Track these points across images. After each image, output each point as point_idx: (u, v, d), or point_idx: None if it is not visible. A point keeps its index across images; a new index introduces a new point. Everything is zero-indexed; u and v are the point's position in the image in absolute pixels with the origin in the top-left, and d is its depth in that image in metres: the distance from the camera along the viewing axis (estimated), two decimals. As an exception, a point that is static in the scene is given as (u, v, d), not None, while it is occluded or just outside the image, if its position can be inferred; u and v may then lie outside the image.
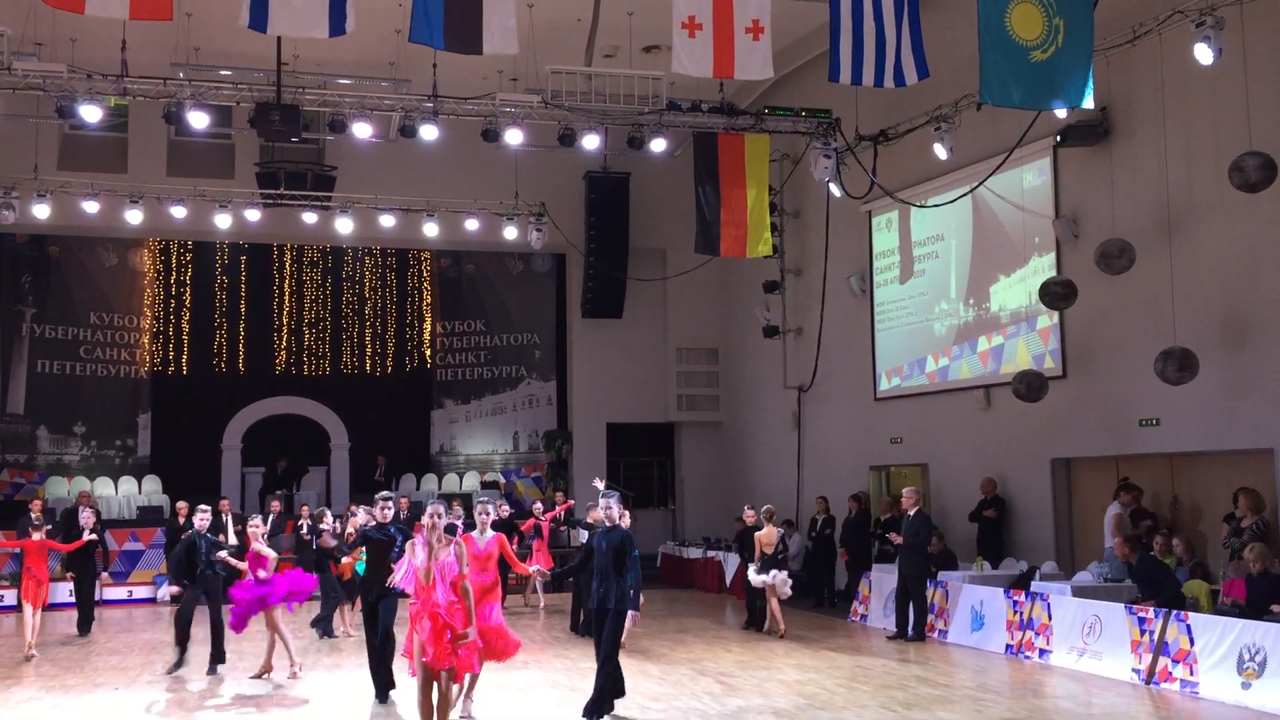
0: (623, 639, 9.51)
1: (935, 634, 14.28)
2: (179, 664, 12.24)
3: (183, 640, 12.28)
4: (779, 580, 14.76)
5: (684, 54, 10.35)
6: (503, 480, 25.00)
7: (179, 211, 19.94)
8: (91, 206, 19.70)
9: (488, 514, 9.90)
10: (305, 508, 18.32)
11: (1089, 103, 11.43)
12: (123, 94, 15.54)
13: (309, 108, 16.63)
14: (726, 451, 24.58)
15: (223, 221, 20.12)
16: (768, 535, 15.09)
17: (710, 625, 15.99)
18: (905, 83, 10.87)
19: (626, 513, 14.83)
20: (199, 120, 15.63)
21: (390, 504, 10.55)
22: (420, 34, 9.59)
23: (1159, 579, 12.01)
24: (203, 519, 12.60)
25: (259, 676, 11.78)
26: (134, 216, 19.69)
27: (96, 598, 16.96)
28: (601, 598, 9.37)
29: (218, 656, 12.33)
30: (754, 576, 15.03)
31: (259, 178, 21.13)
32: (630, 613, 9.33)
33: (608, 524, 9.48)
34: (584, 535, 15.86)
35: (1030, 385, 15.03)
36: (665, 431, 25.17)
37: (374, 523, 10.49)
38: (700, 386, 24.91)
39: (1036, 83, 10.76)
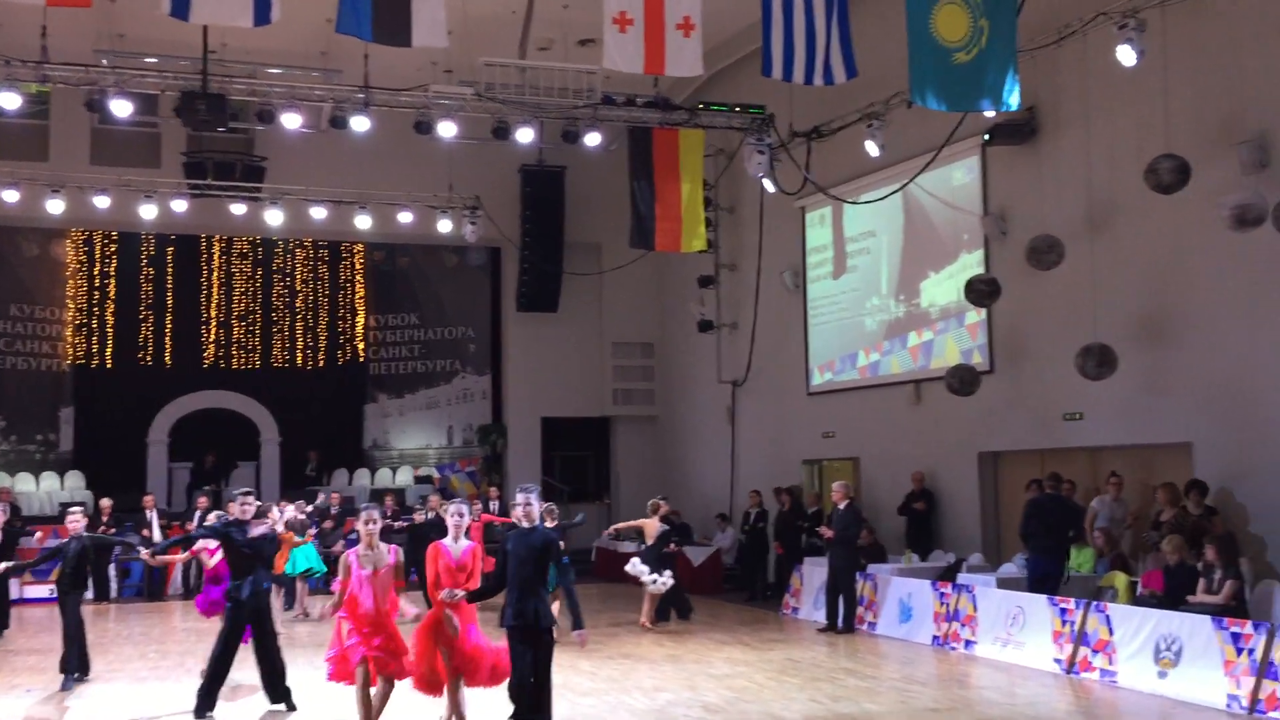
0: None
1: (864, 626, 14.45)
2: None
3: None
4: (640, 573, 14.69)
5: (615, 49, 10.33)
6: (437, 475, 24.80)
7: (102, 201, 19.51)
8: (11, 195, 19.19)
9: (462, 516, 8.43)
10: (231, 504, 17.98)
11: (1011, 105, 11.56)
12: (43, 81, 15.18)
13: (237, 97, 16.35)
14: (662, 445, 24.64)
15: (148, 212, 19.73)
16: (650, 526, 15.07)
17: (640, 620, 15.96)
18: (834, 81, 10.96)
19: (553, 507, 14.85)
20: (122, 108, 15.30)
21: (250, 500, 10.11)
22: (348, 25, 9.47)
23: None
24: (74, 522, 11.55)
25: None
26: (55, 206, 19.23)
27: (16, 596, 16.57)
28: (518, 614, 7.66)
29: (78, 667, 11.42)
30: (629, 566, 15.02)
31: (186, 168, 20.74)
32: (577, 634, 7.92)
33: (526, 524, 7.86)
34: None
35: (963, 379, 15.25)
36: (600, 425, 25.16)
37: (232, 518, 9.78)
38: (635, 381, 24.92)
39: (961, 84, 10.89)
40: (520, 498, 7.97)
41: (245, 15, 9.22)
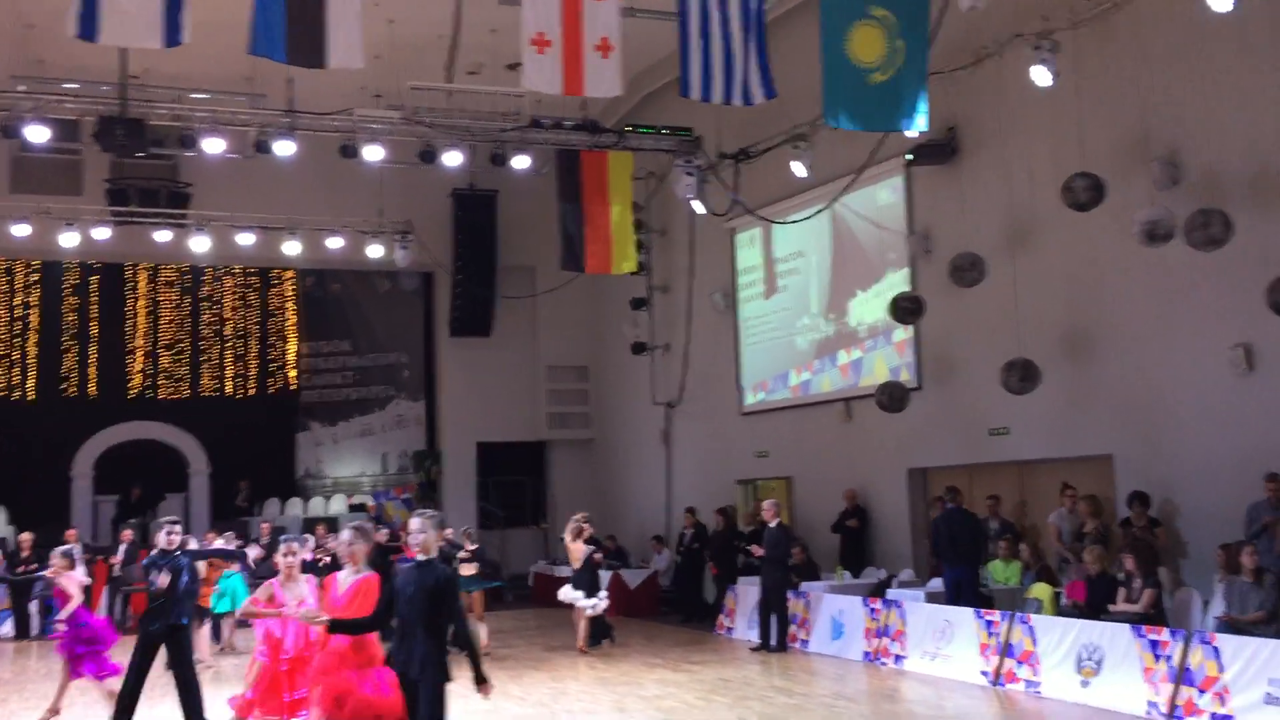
0: None
1: (798, 644, 14.47)
2: None
3: None
4: (575, 599, 14.62)
5: (533, 70, 10.33)
6: (372, 503, 24.51)
7: (22, 230, 19.06)
8: (-74, 224, 18.74)
9: (350, 545, 7.45)
10: (158, 534, 17.63)
11: (919, 126, 11.71)
12: (-47, 106, 14.83)
13: (160, 122, 16.09)
14: (598, 468, 24.56)
15: (69, 240, 19.32)
16: (575, 550, 14.91)
17: (571, 641, 15.83)
18: (753, 101, 11.04)
19: (470, 530, 14.64)
20: (38, 134, 15.02)
21: (177, 529, 9.90)
22: (261, 46, 9.36)
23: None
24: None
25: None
26: (-27, 235, 18.80)
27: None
28: (403, 663, 6.56)
29: None
30: (561, 593, 14.92)
31: (109, 195, 20.36)
32: (479, 688, 6.80)
33: (421, 555, 6.69)
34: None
35: (893, 396, 15.39)
36: (536, 450, 25.03)
37: (158, 550, 9.50)
38: (571, 404, 24.84)
39: (875, 105, 11.02)
40: (415, 524, 6.77)
41: (154, 36, 9.08)
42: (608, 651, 14.71)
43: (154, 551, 9.99)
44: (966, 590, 13.02)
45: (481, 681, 6.74)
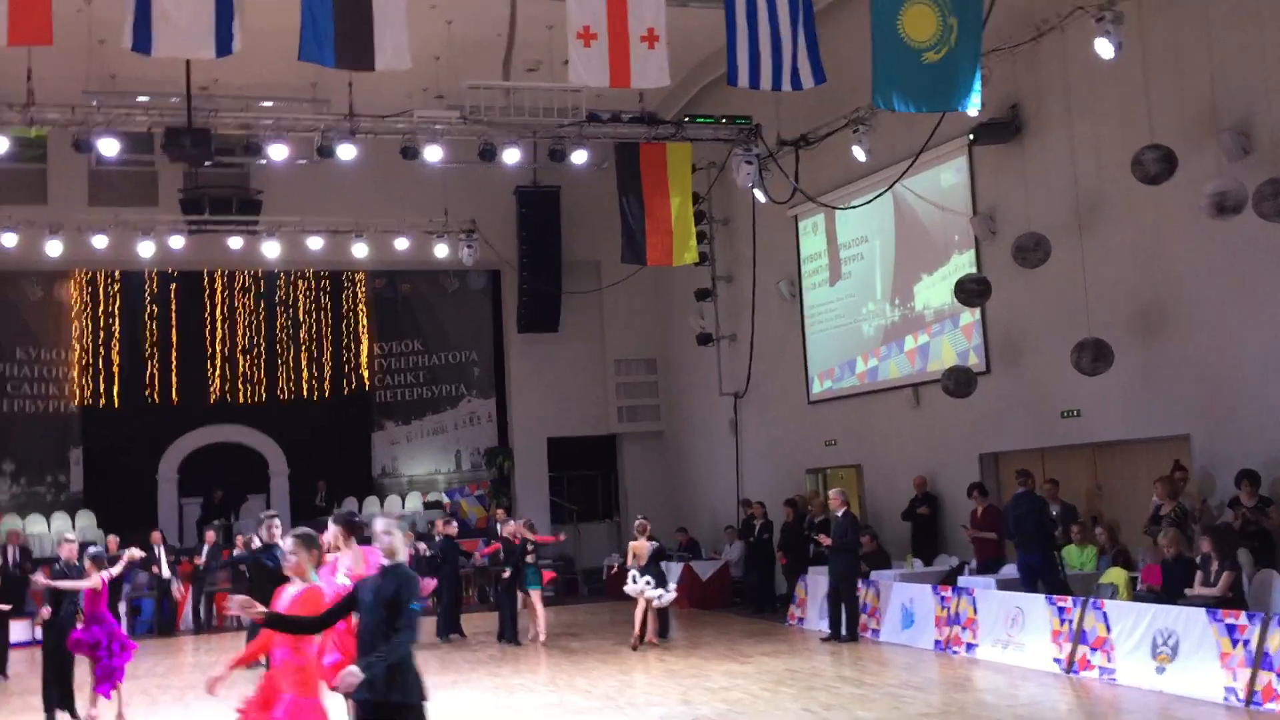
0: None
1: (868, 634, 14.32)
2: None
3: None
4: (646, 592, 14.55)
5: (580, 64, 10.35)
6: (447, 500, 24.82)
7: (101, 241, 19.66)
8: (10, 239, 19.38)
9: (295, 555, 6.36)
10: (240, 538, 18.04)
11: (973, 105, 11.47)
12: (29, 123, 15.31)
13: (226, 131, 16.46)
14: (668, 461, 24.55)
15: (146, 250, 19.86)
16: (639, 547, 14.93)
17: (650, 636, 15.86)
18: (802, 86, 10.92)
19: (530, 521, 14.72)
20: (109, 147, 15.46)
21: (276, 522, 10.03)
22: (310, 52, 9.50)
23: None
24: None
25: None
26: (54, 248, 19.37)
27: (26, 639, 16.72)
28: (365, 683, 5.81)
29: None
30: (628, 586, 14.86)
31: (183, 204, 20.89)
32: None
33: (386, 560, 6.10)
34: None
35: (959, 381, 15.14)
36: (607, 444, 25.10)
37: (259, 545, 9.73)
38: (640, 397, 24.86)
39: (928, 85, 10.83)
40: (380, 526, 6.16)
41: (208, 46, 9.28)
42: (669, 645, 14.66)
43: (256, 544, 10.15)
44: (1041, 576, 12.70)
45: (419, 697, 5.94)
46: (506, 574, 15.90)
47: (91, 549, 11.71)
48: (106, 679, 10.64)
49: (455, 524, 18.18)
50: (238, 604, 6.34)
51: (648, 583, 14.61)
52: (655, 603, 14.65)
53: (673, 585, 14.96)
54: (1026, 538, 12.80)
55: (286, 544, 6.43)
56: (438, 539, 17.55)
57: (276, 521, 10.12)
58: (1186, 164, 12.16)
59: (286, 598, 6.30)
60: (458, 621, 16.74)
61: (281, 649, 6.17)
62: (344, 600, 6.20)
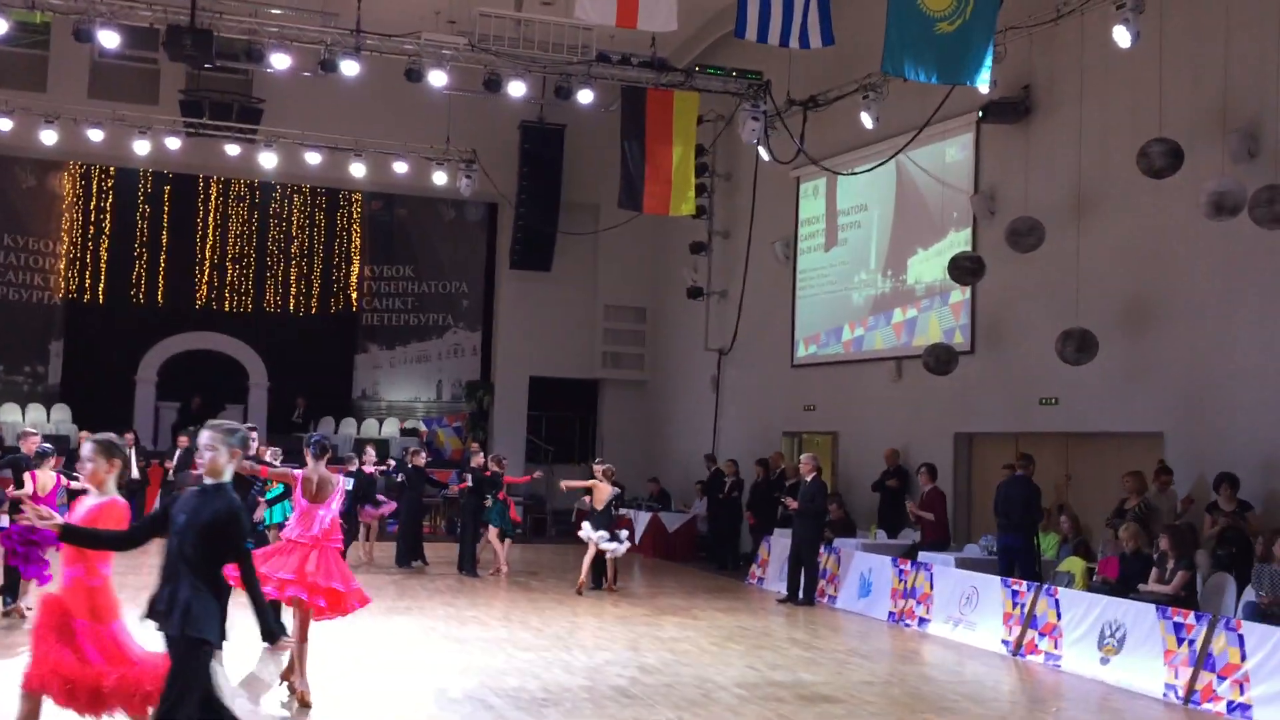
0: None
1: (825, 599, 14.39)
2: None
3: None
4: (599, 539, 14.38)
5: (587, 1, 10.17)
6: (424, 429, 24.82)
7: (96, 135, 19.47)
8: (5, 124, 19.16)
9: (93, 462, 5.67)
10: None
11: (983, 81, 11.33)
12: (32, 7, 15.07)
13: (229, 35, 16.21)
14: (648, 410, 24.56)
15: (142, 148, 19.68)
16: (600, 490, 14.73)
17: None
18: (810, 45, 10.78)
19: (501, 457, 14.67)
20: (110, 39, 15.23)
21: (254, 435, 9.97)
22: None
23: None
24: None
25: None
26: (49, 137, 19.18)
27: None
28: (161, 614, 5.20)
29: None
30: (582, 532, 14.76)
31: (183, 106, 20.61)
32: (266, 646, 5.44)
33: (208, 480, 5.33)
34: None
35: (939, 358, 15.11)
36: (589, 388, 25.08)
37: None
38: (626, 345, 24.81)
39: (940, 55, 10.67)
40: (204, 438, 5.41)
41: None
42: (619, 593, 14.64)
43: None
44: (1018, 559, 12.70)
45: (270, 636, 5.37)
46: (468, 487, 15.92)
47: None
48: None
49: (424, 455, 18.15)
50: (32, 512, 5.73)
51: (603, 536, 14.46)
52: (609, 551, 14.55)
53: (624, 535, 14.85)
54: (1011, 520, 12.80)
55: (85, 449, 5.73)
56: (409, 467, 17.56)
57: (254, 435, 10.04)
58: (1190, 161, 12.04)
59: (83, 509, 5.68)
60: (420, 548, 16.78)
61: (73, 566, 5.59)
62: (152, 517, 5.49)
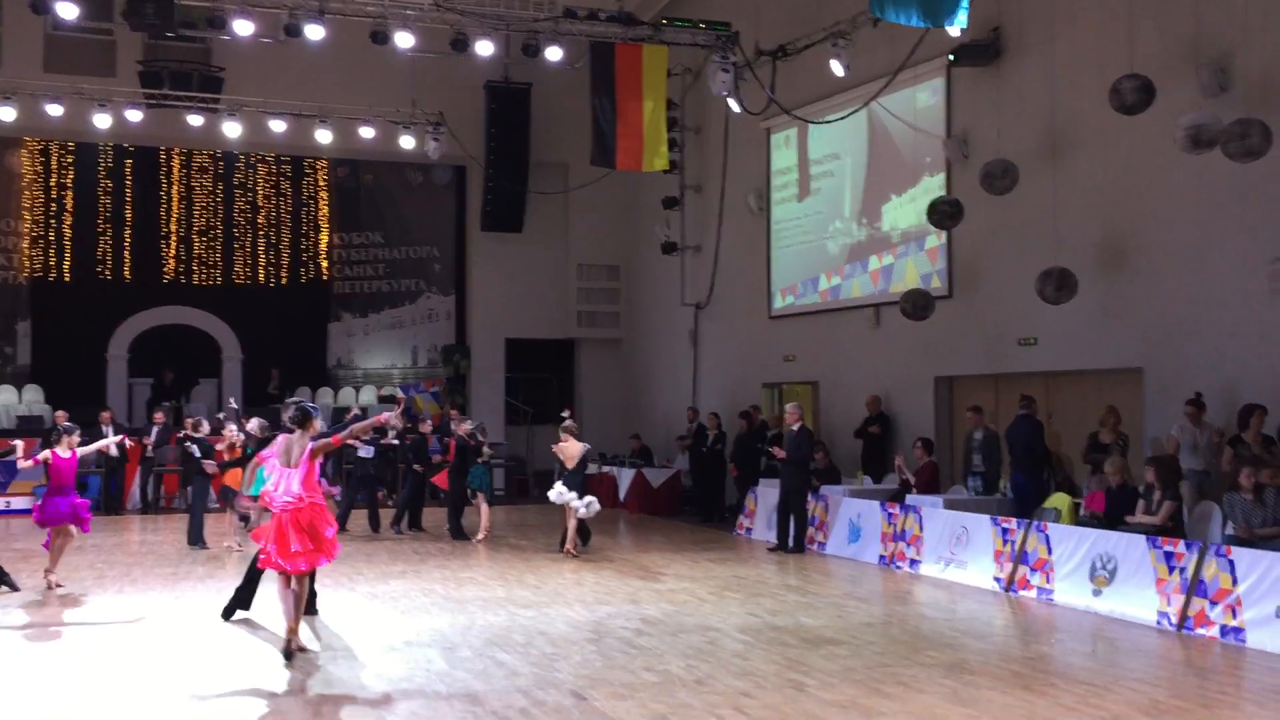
0: None
1: (815, 546, 14.55)
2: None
3: None
4: (571, 502, 14.00)
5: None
6: (401, 395, 24.63)
7: (56, 110, 19.11)
8: (-40, 102, 18.77)
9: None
10: (189, 420, 17.91)
11: (960, 23, 11.32)
12: (-15, -20, 14.71)
13: (190, 3, 15.90)
14: (626, 368, 24.60)
15: (102, 121, 19.33)
16: (570, 449, 14.27)
17: (598, 539, 16.00)
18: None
19: (484, 425, 14.45)
20: (68, 10, 14.92)
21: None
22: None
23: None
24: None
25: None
26: (6, 113, 18.82)
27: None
28: None
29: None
30: (552, 494, 14.27)
31: (142, 77, 20.29)
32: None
33: None
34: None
35: (916, 304, 15.22)
36: (565, 347, 25.07)
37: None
38: (600, 303, 24.78)
39: (921, -1, 10.65)
40: None
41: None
42: (595, 552, 14.41)
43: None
44: (1027, 498, 12.85)
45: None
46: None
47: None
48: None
49: (429, 423, 18.03)
50: None
51: (573, 497, 14.17)
52: (580, 513, 14.08)
53: (592, 498, 14.46)
54: (1017, 459, 13.02)
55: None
56: (391, 433, 17.50)
57: (233, 404, 10.09)
58: (1162, 98, 12.12)
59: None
60: (419, 517, 16.79)
61: None
62: None
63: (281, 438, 8.71)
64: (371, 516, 16.48)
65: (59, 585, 11.35)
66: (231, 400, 18.34)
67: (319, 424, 8.93)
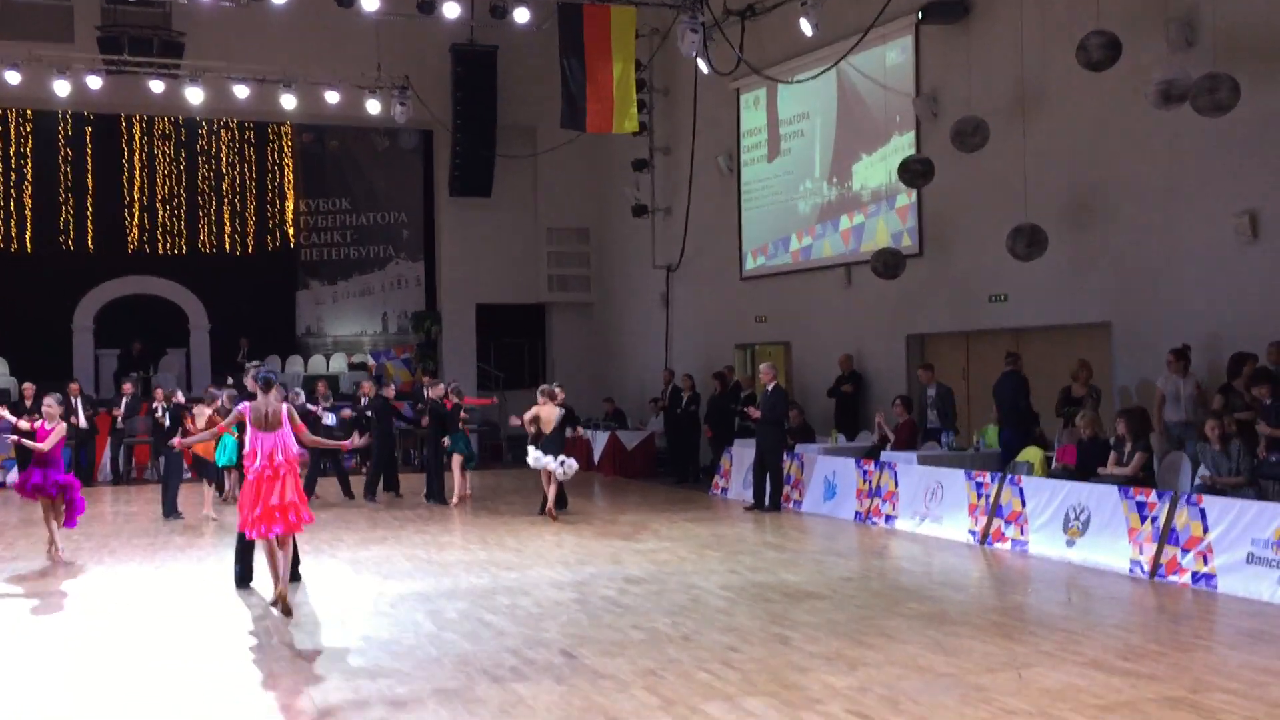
0: None
1: (791, 504, 14.70)
2: None
3: None
4: (545, 463, 14.03)
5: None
6: (372, 362, 24.63)
7: (13, 77, 18.77)
8: (-87, 70, 18.39)
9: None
10: (159, 390, 17.77)
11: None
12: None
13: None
14: (597, 331, 24.62)
15: (61, 89, 19.00)
16: (548, 414, 14.26)
17: (575, 502, 16.06)
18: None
19: (459, 387, 14.39)
20: (25, -25, 14.59)
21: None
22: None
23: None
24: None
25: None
26: (-39, 82, 18.47)
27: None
28: None
29: None
30: (530, 459, 14.28)
31: (100, 43, 19.94)
32: None
33: None
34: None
35: (887, 263, 15.31)
36: (536, 312, 25.05)
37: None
38: (571, 267, 24.74)
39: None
40: None
41: None
42: (573, 515, 14.44)
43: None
44: (1013, 453, 12.99)
45: None
46: (446, 441, 15.83)
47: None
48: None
49: (392, 388, 18.04)
50: None
51: (550, 459, 14.24)
52: (557, 474, 14.10)
53: (571, 459, 14.52)
54: (1004, 414, 13.20)
55: None
56: (363, 400, 17.49)
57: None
58: (1129, 53, 12.20)
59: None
60: (395, 480, 16.81)
61: None
62: None
63: (247, 405, 8.87)
64: (342, 483, 16.49)
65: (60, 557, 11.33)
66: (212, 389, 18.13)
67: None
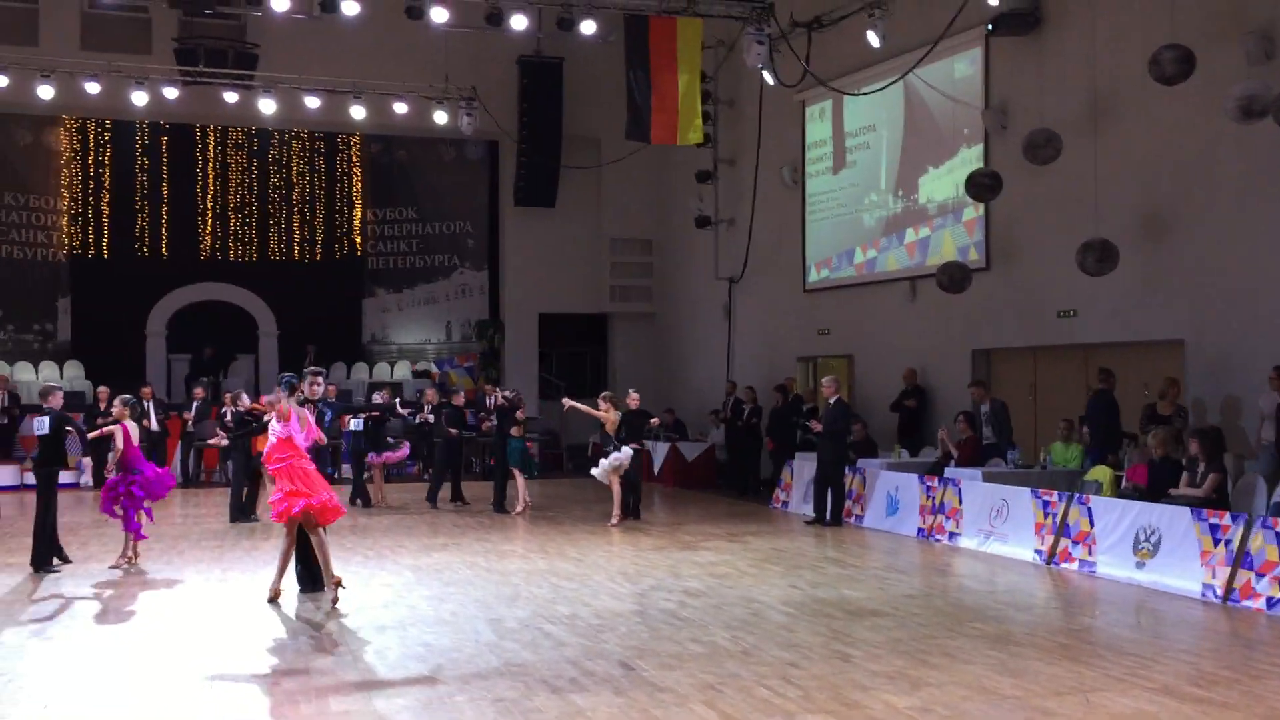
0: None
1: (852, 519, 14.57)
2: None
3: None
4: (603, 463, 14.57)
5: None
6: (435, 370, 24.88)
7: (93, 88, 19.28)
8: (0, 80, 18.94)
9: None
10: (228, 395, 18.09)
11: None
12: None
13: (226, -20, 16.02)
14: (659, 342, 24.63)
15: (139, 99, 19.48)
16: (610, 418, 14.76)
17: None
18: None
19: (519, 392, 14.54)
20: (107, -11, 14.99)
21: (320, 379, 11.05)
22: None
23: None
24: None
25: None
26: (45, 92, 19.00)
27: (16, 482, 16.84)
28: None
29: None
30: (595, 472, 14.86)
31: (177, 54, 20.42)
32: None
33: None
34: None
35: (953, 277, 15.15)
36: (598, 322, 25.13)
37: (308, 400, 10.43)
38: (634, 277, 24.81)
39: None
40: None
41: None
42: (632, 526, 14.50)
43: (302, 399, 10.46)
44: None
45: None
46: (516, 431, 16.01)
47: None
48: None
49: (461, 395, 18.22)
50: None
51: (613, 457, 14.54)
52: (615, 459, 14.49)
53: (626, 449, 14.81)
54: (1097, 434, 12.96)
55: None
56: (427, 407, 17.63)
57: (321, 379, 11.28)
58: (1204, 66, 11.98)
59: None
60: (459, 488, 16.92)
61: None
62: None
63: (292, 406, 9.58)
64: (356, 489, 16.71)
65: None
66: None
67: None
